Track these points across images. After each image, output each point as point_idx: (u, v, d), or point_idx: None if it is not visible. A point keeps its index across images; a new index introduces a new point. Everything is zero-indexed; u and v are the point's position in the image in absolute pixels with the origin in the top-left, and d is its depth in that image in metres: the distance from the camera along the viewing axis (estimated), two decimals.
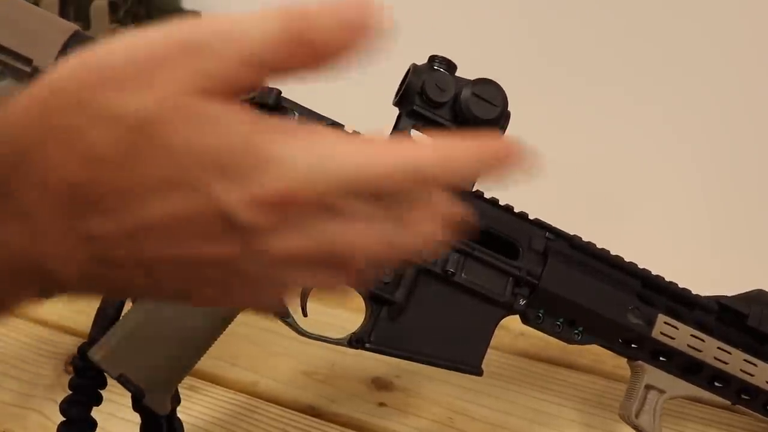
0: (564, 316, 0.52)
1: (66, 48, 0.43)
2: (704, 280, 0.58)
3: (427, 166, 0.24)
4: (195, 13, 1.08)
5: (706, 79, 0.81)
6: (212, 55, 0.23)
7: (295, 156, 0.23)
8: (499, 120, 0.47)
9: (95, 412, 0.48)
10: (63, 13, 1.00)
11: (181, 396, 0.51)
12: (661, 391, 0.54)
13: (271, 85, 0.46)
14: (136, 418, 0.58)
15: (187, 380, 0.47)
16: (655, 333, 0.52)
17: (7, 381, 0.65)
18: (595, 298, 0.51)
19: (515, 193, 0.56)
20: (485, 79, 0.47)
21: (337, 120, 0.49)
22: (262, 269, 0.25)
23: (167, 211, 0.23)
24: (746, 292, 0.56)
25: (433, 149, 0.25)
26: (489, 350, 0.51)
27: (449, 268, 0.49)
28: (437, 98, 0.46)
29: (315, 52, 0.24)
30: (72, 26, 0.44)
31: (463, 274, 0.49)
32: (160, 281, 0.25)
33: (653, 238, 0.84)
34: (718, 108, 0.81)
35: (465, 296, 0.50)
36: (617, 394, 0.65)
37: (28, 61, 0.42)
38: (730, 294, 0.56)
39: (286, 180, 0.23)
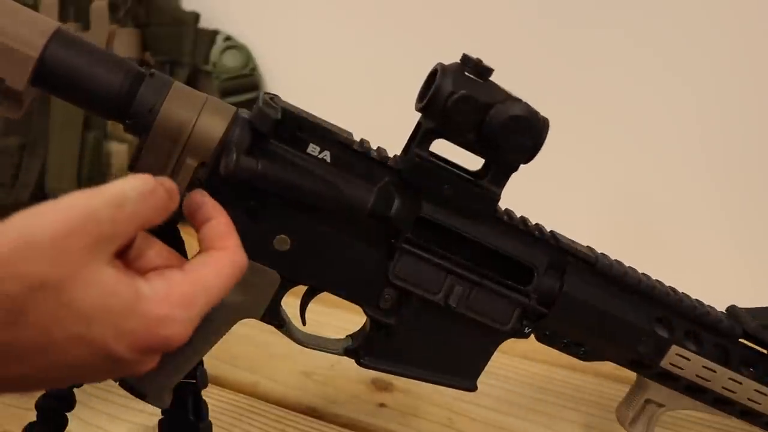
0: (571, 339, 0.51)
1: (46, 50, 0.37)
2: (745, 291, 0.57)
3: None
4: (194, 14, 1.08)
5: (750, 95, 0.81)
6: (107, 223, 0.32)
7: (171, 314, 0.33)
8: (531, 150, 0.43)
9: (97, 414, 0.48)
10: (63, 14, 1.00)
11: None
12: (661, 405, 0.53)
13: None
14: (136, 418, 0.58)
15: None
16: (665, 363, 0.50)
17: None
18: (607, 329, 0.49)
19: (552, 202, 0.55)
20: (520, 103, 0.41)
21: (345, 128, 0.46)
22: (126, 374, 0.36)
23: (75, 359, 0.32)
24: None
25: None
26: None
27: (451, 302, 0.46)
28: (463, 121, 0.41)
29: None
30: (53, 25, 0.38)
31: (466, 305, 0.47)
32: (46, 387, 0.39)
33: (693, 250, 0.84)
34: (749, 118, 0.81)
35: (467, 324, 0.48)
36: (617, 395, 0.65)
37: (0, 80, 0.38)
38: (762, 304, 0.55)
39: (165, 334, 0.33)
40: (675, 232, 0.87)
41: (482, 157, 0.45)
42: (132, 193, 0.34)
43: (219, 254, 0.38)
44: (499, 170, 0.44)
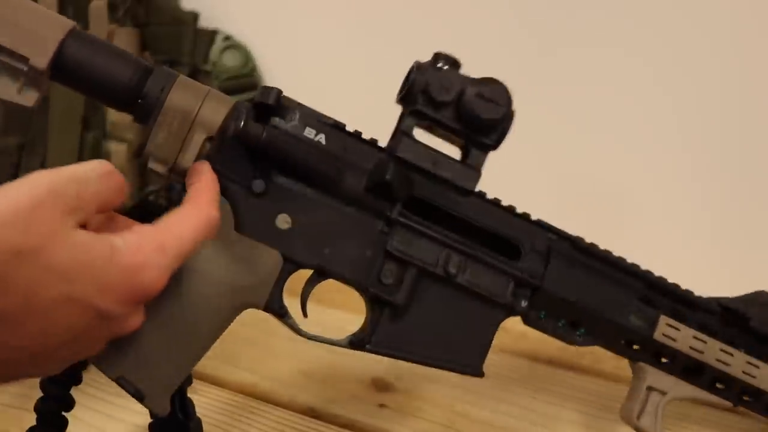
0: (566, 318, 0.52)
1: (63, 45, 0.42)
2: (707, 282, 0.57)
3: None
4: (193, 13, 1.08)
5: (709, 80, 0.81)
6: (72, 197, 0.34)
7: (146, 261, 0.35)
8: (503, 120, 0.47)
9: (94, 413, 0.48)
10: (62, 13, 1.00)
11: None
12: (663, 393, 0.54)
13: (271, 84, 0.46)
14: (134, 419, 0.58)
15: None
16: (657, 335, 0.52)
17: None
18: (597, 299, 0.51)
19: (518, 194, 0.56)
20: (490, 78, 0.47)
21: (338, 119, 0.48)
22: (115, 333, 0.37)
23: (64, 321, 0.33)
24: (747, 294, 0.56)
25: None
26: (490, 352, 0.51)
27: (450, 270, 0.49)
28: (440, 97, 0.46)
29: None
30: (69, 22, 0.43)
31: (464, 276, 0.49)
32: (43, 364, 0.36)
33: (655, 240, 0.84)
34: (722, 108, 0.81)
35: (466, 298, 0.49)
36: (618, 395, 0.65)
37: (24, 60, 0.41)
38: (732, 295, 0.56)
39: (143, 281, 0.35)
40: (639, 224, 0.86)
41: (462, 138, 0.48)
42: (92, 173, 0.36)
43: (188, 206, 0.40)
44: (477, 148, 0.48)
